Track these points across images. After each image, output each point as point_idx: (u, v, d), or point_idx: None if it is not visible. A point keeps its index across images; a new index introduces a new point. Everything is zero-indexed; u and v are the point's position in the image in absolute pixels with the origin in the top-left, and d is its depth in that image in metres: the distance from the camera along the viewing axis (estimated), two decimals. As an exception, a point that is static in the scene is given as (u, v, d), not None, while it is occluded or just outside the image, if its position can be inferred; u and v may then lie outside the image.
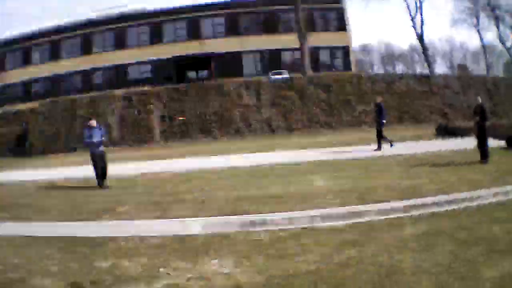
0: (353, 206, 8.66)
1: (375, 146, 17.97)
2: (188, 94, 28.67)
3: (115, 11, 42.42)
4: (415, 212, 8.23)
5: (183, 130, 27.87)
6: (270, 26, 40.89)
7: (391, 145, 18.08)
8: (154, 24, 40.96)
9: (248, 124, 28.28)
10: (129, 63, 40.35)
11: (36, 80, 42.82)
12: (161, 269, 5.81)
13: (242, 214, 8.41)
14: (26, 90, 43.02)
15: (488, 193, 9.11)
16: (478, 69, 75.46)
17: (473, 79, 34.10)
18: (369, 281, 5.18)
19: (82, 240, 7.48)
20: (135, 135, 27.88)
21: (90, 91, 34.10)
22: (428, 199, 8.84)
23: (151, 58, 39.77)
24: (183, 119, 27.78)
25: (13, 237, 7.78)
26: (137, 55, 39.99)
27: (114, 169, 16.07)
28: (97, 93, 31.55)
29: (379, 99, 19.25)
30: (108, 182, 13.54)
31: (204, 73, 42.41)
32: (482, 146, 13.50)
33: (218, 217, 8.45)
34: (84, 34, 42.25)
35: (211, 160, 17.93)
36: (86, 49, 41.98)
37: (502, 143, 16.31)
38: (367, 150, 17.43)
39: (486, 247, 6.05)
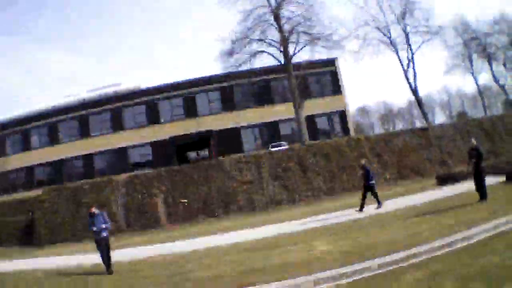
0: (353, 265, 8.85)
1: (375, 205, 18.18)
2: (189, 175, 28.63)
3: (110, 90, 43.11)
4: (414, 260, 8.37)
5: (188, 212, 27.61)
6: (265, 97, 41.56)
7: (379, 205, 18.36)
8: (150, 103, 41.43)
9: (251, 200, 28.10)
10: (128, 146, 40.60)
11: (37, 165, 42.91)
12: None
13: (248, 287, 8.59)
14: (28, 176, 42.90)
15: (485, 228, 9.30)
16: (478, 112, 76.36)
17: (469, 123, 34.37)
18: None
19: None
20: (141, 221, 27.59)
21: (93, 176, 34.08)
22: (427, 246, 9.02)
23: (150, 140, 40.21)
24: (186, 202, 27.77)
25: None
26: (136, 136, 40.47)
27: (122, 255, 16.64)
28: (99, 178, 31.36)
29: (363, 161, 19.78)
30: (113, 267, 13.83)
31: (204, 152, 42.68)
32: (480, 187, 13.73)
33: None
34: (80, 116, 42.68)
35: (216, 238, 18.01)
36: (84, 131, 42.36)
37: (502, 178, 16.53)
38: (369, 210, 17.56)
39: (487, 276, 6.23)
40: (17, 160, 43.59)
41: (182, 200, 27.74)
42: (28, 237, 30.16)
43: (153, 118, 41.16)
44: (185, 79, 41.55)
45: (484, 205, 12.69)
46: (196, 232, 21.34)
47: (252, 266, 10.53)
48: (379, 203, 18.36)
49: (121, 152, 40.81)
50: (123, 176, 29.81)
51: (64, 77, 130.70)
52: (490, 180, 14.65)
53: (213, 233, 19.76)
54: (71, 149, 41.72)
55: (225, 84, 40.53)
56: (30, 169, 43.12)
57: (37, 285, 12.74)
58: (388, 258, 8.75)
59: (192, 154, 41.29)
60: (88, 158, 41.40)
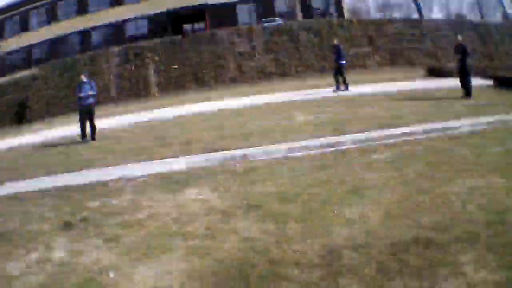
0: (328, 137, 9.10)
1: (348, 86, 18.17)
2: (182, 46, 28.59)
3: None
4: (391, 141, 8.51)
5: (179, 82, 27.83)
6: None
7: (347, 87, 18.13)
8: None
9: (242, 71, 28.18)
10: (125, 20, 39.69)
11: (35, 45, 42.33)
12: (144, 202, 6.37)
13: (223, 151, 8.90)
14: (26, 57, 42.29)
15: (464, 123, 9.39)
16: (475, 19, 74.46)
17: (464, 24, 33.75)
18: (335, 196, 5.55)
19: (74, 188, 7.82)
20: (133, 90, 27.82)
21: (90, 52, 33.29)
22: (405, 128, 9.15)
23: (147, 13, 39.02)
24: (177, 67, 27.81)
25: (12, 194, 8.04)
26: (133, 10, 39.34)
27: (108, 122, 16.72)
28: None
29: (335, 41, 19.26)
30: (96, 135, 13.72)
31: (200, 25, 41.73)
32: (464, 83, 13.74)
33: (200, 154, 8.92)
34: None
35: (202, 105, 18.05)
36: (81, 8, 41.30)
37: (490, 82, 16.50)
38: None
39: (454, 167, 6.38)
40: (16, 42, 43.06)
41: (173, 67, 27.73)
42: (21, 115, 30.43)
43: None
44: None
45: (467, 101, 12.75)
46: (185, 100, 21.38)
47: (231, 133, 10.87)
48: (347, 86, 18.12)
49: (118, 27, 39.95)
50: (117, 48, 29.64)
51: None
52: (478, 82, 14.57)
53: (201, 101, 19.80)
54: (68, 26, 40.73)
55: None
56: (28, 49, 42.55)
57: (18, 158, 12.57)
58: (362, 136, 8.90)
59: (187, 27, 40.20)
60: (85, 35, 40.68)
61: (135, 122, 15.84)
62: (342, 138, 8.96)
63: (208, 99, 20.36)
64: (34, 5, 42.99)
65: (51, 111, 27.49)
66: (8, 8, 44.13)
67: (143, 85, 27.70)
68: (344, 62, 18.43)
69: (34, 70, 32.09)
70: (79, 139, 13.65)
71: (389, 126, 9.54)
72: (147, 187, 7.20)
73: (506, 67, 22.23)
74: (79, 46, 39.99)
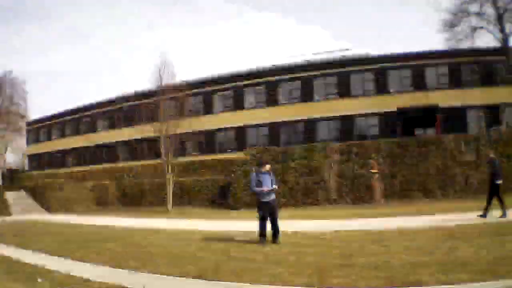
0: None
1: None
2: (408, 149, 26.76)
3: (336, 55, 41.83)
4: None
5: (403, 189, 25.97)
6: (490, 78, 36.78)
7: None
8: (379, 71, 38.98)
9: (468, 182, 25.37)
10: (354, 114, 38.66)
11: (250, 126, 42.94)
12: None
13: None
14: (239, 137, 43.13)
15: None
16: None
17: None
18: None
19: None
20: (354, 193, 26.57)
21: (305, 144, 32.65)
22: None
23: (378, 110, 37.81)
24: (376, 172, 26.09)
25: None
26: (362, 104, 38.39)
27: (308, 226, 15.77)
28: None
29: (491, 154, 16.84)
30: (280, 239, 12.40)
31: (431, 129, 38.77)
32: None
33: None
34: (302, 78, 41.40)
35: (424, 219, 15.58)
36: (306, 95, 41.14)
37: None
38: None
39: None
40: (227, 120, 43.94)
41: (372, 171, 26.11)
42: (223, 201, 31.43)
43: (381, 87, 38.60)
44: (413, 51, 38.25)
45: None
46: (411, 212, 18.95)
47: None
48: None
49: (346, 120, 39.03)
50: (339, 144, 29.18)
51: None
52: None
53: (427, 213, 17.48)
54: (290, 111, 40.90)
55: (452, 60, 36.94)
56: (241, 130, 43.26)
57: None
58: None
59: (418, 131, 37.46)
60: (309, 124, 40.32)
61: (335, 231, 13.79)
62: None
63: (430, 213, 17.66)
64: (249, 82, 43.59)
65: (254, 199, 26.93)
66: (220, 80, 45.13)
67: (364, 189, 26.21)
68: (499, 182, 15.52)
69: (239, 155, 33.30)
70: (257, 239, 12.57)
71: None
72: None
73: None
74: (302, 135, 39.90)
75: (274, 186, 12.59)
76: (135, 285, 8.43)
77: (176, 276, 8.87)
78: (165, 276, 9.03)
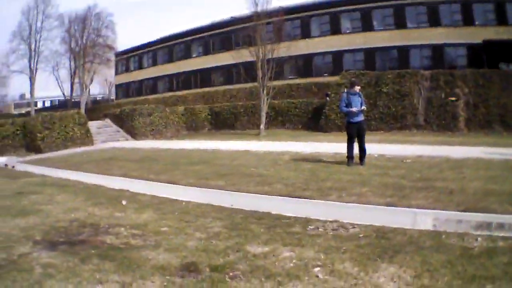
0: None
1: None
2: (492, 81, 26.65)
3: None
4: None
5: (486, 120, 26.05)
6: None
7: None
8: (466, 2, 38.45)
9: None
10: (445, 43, 38.57)
11: (346, 51, 43.19)
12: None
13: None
14: (336, 61, 43.51)
15: None
16: None
17: None
18: None
19: (279, 216, 7.92)
20: (440, 120, 27.07)
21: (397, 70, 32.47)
22: None
23: (465, 40, 37.48)
24: (454, 99, 26.67)
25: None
26: (452, 35, 38.18)
27: (392, 149, 16.10)
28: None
29: None
30: (366, 160, 12.74)
31: None
32: None
33: (456, 212, 7.28)
34: (394, 5, 41.30)
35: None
36: (399, 23, 41.14)
37: None
38: None
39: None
40: (324, 44, 44.13)
41: (450, 98, 26.67)
42: (314, 121, 32.29)
43: (467, 19, 38.34)
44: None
45: None
46: (486, 142, 19.18)
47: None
48: None
49: (436, 49, 39.15)
50: (429, 71, 29.31)
51: None
52: None
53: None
54: (385, 37, 40.99)
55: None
56: (338, 54, 43.53)
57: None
58: None
59: (501, 65, 37.05)
60: (403, 50, 40.52)
61: (418, 155, 14.19)
62: None
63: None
64: (345, 8, 43.57)
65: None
66: (317, 6, 45.31)
67: (450, 117, 26.79)
68: None
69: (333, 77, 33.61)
70: (345, 160, 13.02)
71: None
72: (357, 244, 6.22)
73: None
74: (397, 62, 40.06)
75: (363, 107, 12.71)
76: (222, 203, 9.27)
77: (264, 195, 9.55)
78: (253, 194, 9.75)
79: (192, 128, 39.06)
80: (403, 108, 28.30)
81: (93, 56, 58.20)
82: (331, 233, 6.76)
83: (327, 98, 32.25)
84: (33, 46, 59.76)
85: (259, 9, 33.13)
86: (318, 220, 7.48)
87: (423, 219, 7.02)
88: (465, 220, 6.78)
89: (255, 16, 33.13)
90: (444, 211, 7.26)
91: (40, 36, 60.20)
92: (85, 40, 57.84)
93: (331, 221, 7.34)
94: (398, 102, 28.47)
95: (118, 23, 79.42)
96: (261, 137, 29.62)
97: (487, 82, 26.72)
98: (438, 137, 23.58)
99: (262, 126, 32.33)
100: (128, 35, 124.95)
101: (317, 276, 4.98)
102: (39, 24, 59.91)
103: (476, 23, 37.89)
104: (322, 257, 5.59)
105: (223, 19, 50.78)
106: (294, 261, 5.51)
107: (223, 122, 38.60)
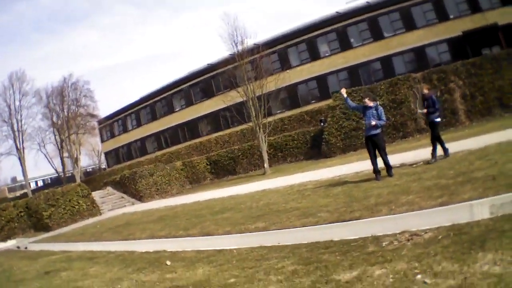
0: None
1: None
2: (482, 67, 26.66)
3: None
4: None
5: (484, 107, 26.12)
6: None
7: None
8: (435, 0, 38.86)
9: None
10: (425, 44, 38.87)
11: (329, 74, 43.49)
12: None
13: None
14: (320, 86, 44.02)
15: None
16: None
17: None
18: None
19: (344, 242, 7.51)
20: (441, 119, 26.68)
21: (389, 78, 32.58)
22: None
23: (445, 37, 37.95)
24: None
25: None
26: (429, 35, 38.52)
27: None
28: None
29: (425, 89, 15.44)
30: (392, 171, 12.50)
31: (495, 49, 38.43)
32: None
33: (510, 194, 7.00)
34: (367, 19, 41.69)
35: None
36: (376, 34, 41.47)
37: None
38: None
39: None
40: (305, 72, 44.56)
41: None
42: (315, 150, 31.81)
43: (442, 15, 38.55)
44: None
45: None
46: (493, 128, 19.01)
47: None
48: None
49: (418, 52, 39.34)
50: (420, 73, 29.32)
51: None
52: None
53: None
54: (365, 52, 41.38)
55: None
56: (321, 78, 43.84)
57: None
58: None
59: (484, 50, 37.35)
60: (385, 60, 40.70)
61: (438, 155, 13.84)
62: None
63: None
64: (322, 31, 43.97)
65: (350, 144, 28.09)
66: (293, 34, 45.93)
67: (450, 112, 26.77)
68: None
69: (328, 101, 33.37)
70: (372, 175, 12.73)
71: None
72: (424, 249, 5.99)
73: None
74: (381, 74, 40.20)
75: (373, 122, 12.45)
76: (275, 243, 8.74)
77: (314, 226, 9.00)
78: (299, 228, 9.22)
79: (194, 180, 38.70)
80: (402, 116, 28.15)
81: (76, 127, 58.78)
82: (409, 242, 6.52)
83: (322, 124, 31.98)
84: (15, 126, 60.34)
85: (239, 48, 33.29)
86: (386, 235, 7.18)
87: (479, 209, 6.85)
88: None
89: (237, 56, 33.25)
90: (497, 196, 7.03)
91: (21, 115, 60.70)
92: (66, 112, 58.59)
93: (399, 233, 7.06)
94: (395, 111, 28.30)
95: (96, 89, 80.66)
96: (268, 175, 29.14)
97: (479, 70, 26.70)
98: (443, 135, 22.85)
99: (266, 165, 31.89)
100: (109, 98, 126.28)
101: (425, 282, 4.85)
102: (17, 103, 60.58)
103: (451, 16, 38.19)
104: (417, 265, 5.42)
105: (200, 67, 51.35)
106: (391, 276, 5.31)
107: (223, 169, 38.31)
